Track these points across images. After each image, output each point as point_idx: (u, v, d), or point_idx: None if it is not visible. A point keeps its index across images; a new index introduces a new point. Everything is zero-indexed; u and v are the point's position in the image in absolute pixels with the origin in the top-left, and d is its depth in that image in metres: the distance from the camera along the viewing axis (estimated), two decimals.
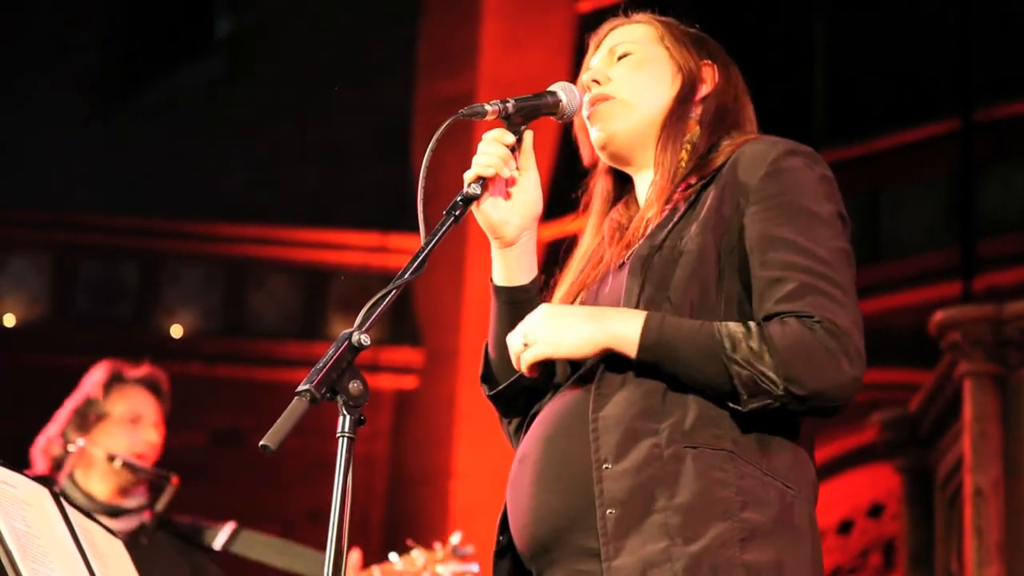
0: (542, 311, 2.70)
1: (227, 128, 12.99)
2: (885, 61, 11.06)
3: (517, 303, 2.86)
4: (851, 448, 10.00)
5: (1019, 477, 6.61)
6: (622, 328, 2.63)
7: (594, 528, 2.57)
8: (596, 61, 2.93)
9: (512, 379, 2.86)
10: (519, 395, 2.84)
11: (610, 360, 2.67)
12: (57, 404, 5.20)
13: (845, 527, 10.28)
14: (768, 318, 2.61)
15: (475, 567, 4.78)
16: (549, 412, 2.76)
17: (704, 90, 2.89)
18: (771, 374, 2.54)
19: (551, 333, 2.66)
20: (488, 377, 2.94)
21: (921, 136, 10.41)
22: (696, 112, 2.88)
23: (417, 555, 4.81)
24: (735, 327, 2.58)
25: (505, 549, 2.80)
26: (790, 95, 10.91)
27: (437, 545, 4.85)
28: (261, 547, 4.97)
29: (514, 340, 2.71)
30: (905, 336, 9.23)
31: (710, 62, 2.92)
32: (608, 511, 2.56)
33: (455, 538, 4.85)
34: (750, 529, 2.53)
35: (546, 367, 2.79)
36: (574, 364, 2.79)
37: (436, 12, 12.22)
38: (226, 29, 14.04)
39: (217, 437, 11.17)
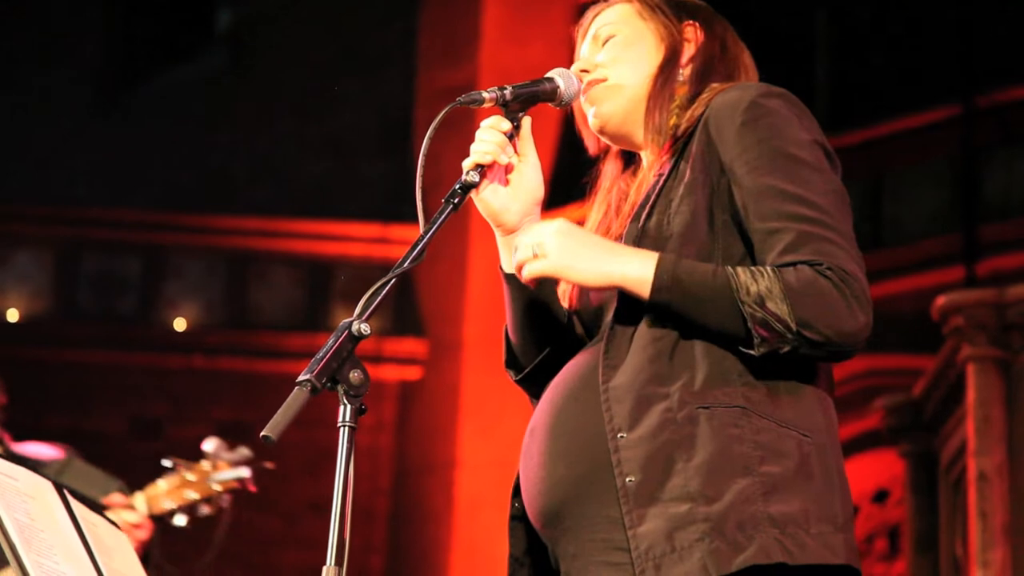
0: (561, 227, 2.66)
1: (228, 121, 12.99)
2: (887, 47, 11.05)
3: (527, 288, 2.85)
4: (855, 434, 9.99)
5: (1022, 461, 6.61)
6: (636, 268, 2.61)
7: (609, 495, 2.57)
8: (583, 50, 2.94)
9: (535, 362, 2.86)
10: (549, 378, 2.82)
11: (617, 324, 2.67)
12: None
13: None
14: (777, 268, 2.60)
15: (246, 471, 4.66)
16: (557, 382, 2.75)
17: (689, 51, 2.88)
18: (785, 318, 2.53)
19: (565, 254, 2.64)
20: (512, 363, 2.93)
21: (924, 122, 10.40)
22: (685, 75, 2.87)
23: (185, 472, 4.64)
24: (750, 271, 2.57)
25: (519, 515, 2.80)
26: (792, 81, 10.86)
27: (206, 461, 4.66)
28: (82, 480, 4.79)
29: (524, 248, 2.67)
30: (908, 321, 9.22)
31: (691, 21, 2.90)
32: (628, 479, 2.56)
33: (209, 444, 4.68)
34: (771, 482, 2.54)
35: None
36: (591, 331, 2.79)
37: (437, 3, 12.22)
38: (227, 22, 14.04)
39: (220, 429, 11.14)
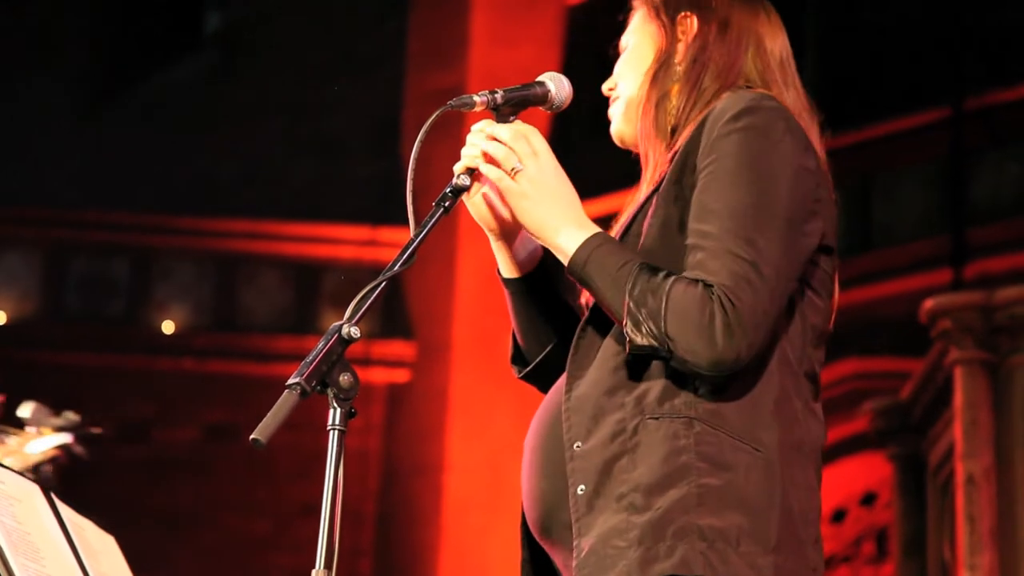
0: (549, 174, 2.66)
1: (217, 123, 12.98)
2: (876, 49, 11.06)
3: (525, 292, 2.85)
4: (843, 437, 10.00)
5: (1010, 464, 6.62)
6: (568, 238, 2.62)
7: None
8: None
9: (538, 360, 2.86)
10: (553, 371, 2.80)
11: (584, 334, 2.66)
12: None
13: (838, 516, 10.29)
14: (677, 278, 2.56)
15: (67, 437, 4.37)
16: (548, 395, 2.76)
17: (680, 50, 2.79)
18: (655, 326, 2.52)
19: (535, 188, 2.65)
20: (515, 358, 2.92)
21: (912, 124, 10.42)
22: (679, 72, 2.78)
23: (6, 439, 4.35)
24: (655, 273, 2.55)
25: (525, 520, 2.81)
26: None
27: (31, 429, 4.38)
28: None
29: (508, 155, 2.66)
30: (896, 324, 9.25)
31: (687, 12, 2.80)
32: (579, 488, 2.56)
33: (25, 410, 4.41)
34: (708, 494, 2.50)
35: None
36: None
37: (426, 6, 12.22)
38: (216, 24, 14.03)
39: (210, 432, 11.17)
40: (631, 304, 2.54)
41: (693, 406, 2.55)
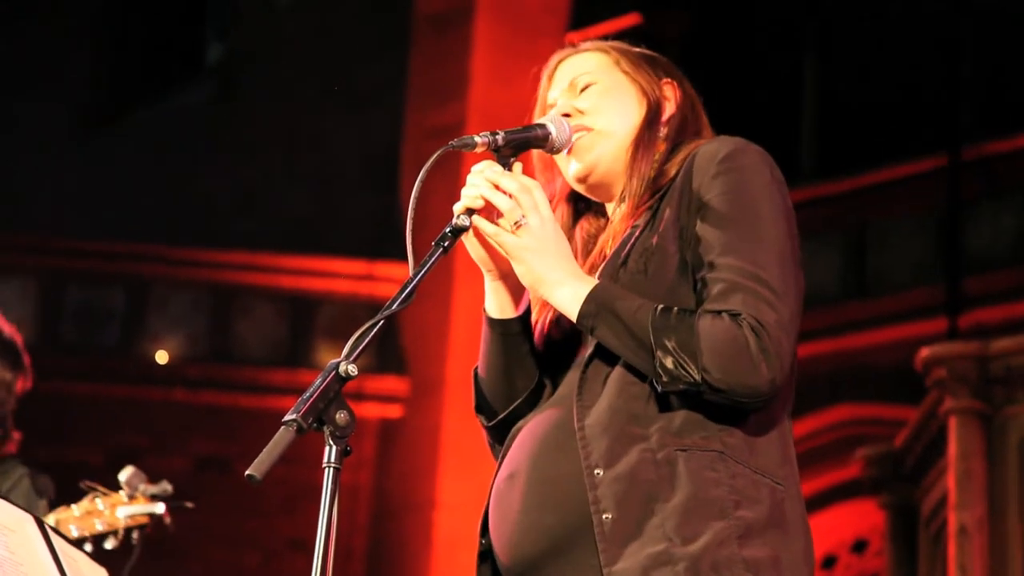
0: (550, 229, 2.70)
1: (215, 154, 12.99)
2: (874, 97, 11.10)
3: (511, 334, 2.86)
4: (835, 483, 10.00)
5: (1004, 516, 6.61)
6: (568, 293, 2.68)
7: (595, 542, 2.58)
8: (557, 94, 2.95)
9: (509, 409, 2.87)
10: (514, 424, 2.83)
11: (589, 368, 2.70)
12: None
13: (829, 562, 10.28)
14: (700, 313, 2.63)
15: (160, 507, 4.33)
16: (535, 429, 2.76)
17: (669, 109, 2.92)
18: (690, 361, 2.57)
19: (537, 242, 2.69)
20: (483, 407, 2.93)
21: (909, 172, 10.44)
22: (663, 132, 2.91)
23: (98, 499, 4.33)
24: (673, 311, 2.61)
25: (487, 552, 2.81)
26: (779, 129, 10.94)
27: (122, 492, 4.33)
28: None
29: (513, 208, 2.70)
30: (891, 371, 9.25)
31: (669, 80, 2.94)
32: (605, 516, 2.57)
33: (124, 474, 4.34)
34: (746, 526, 2.57)
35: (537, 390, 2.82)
36: (556, 383, 2.81)
37: (426, 42, 12.25)
38: (217, 55, 14.06)
39: (201, 463, 11.14)
40: (659, 342, 2.59)
41: (718, 439, 2.62)
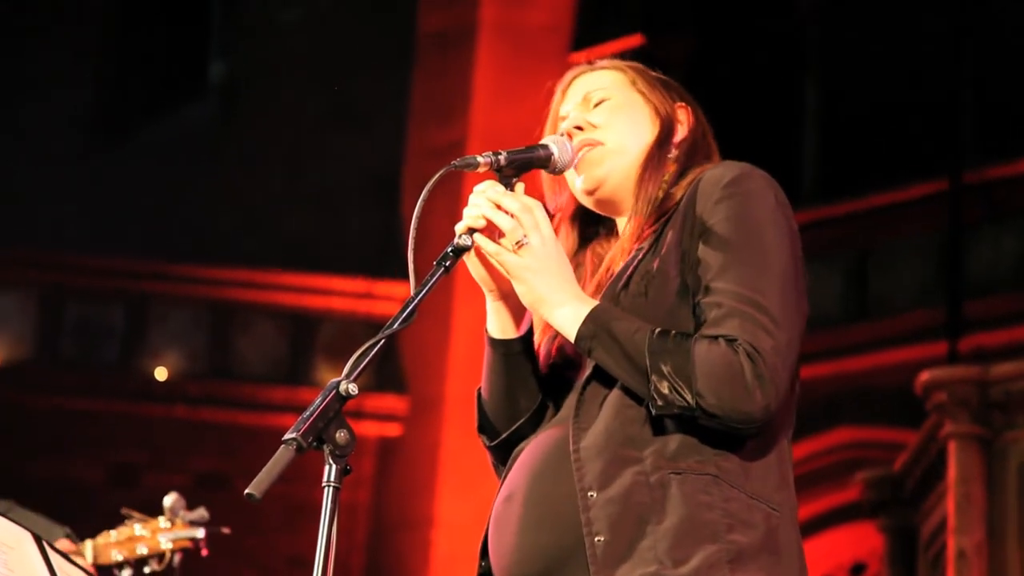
0: (551, 250, 2.71)
1: (217, 171, 13.00)
2: (876, 120, 11.11)
3: (512, 355, 2.86)
4: (834, 506, 9.99)
5: (1003, 540, 6.61)
6: (567, 314, 2.68)
7: (587, 563, 2.59)
8: (570, 108, 2.95)
9: (511, 429, 2.86)
10: (517, 444, 2.83)
11: (587, 390, 2.70)
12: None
13: None
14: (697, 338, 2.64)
15: (200, 532, 4.51)
16: (534, 450, 2.76)
17: (681, 132, 2.92)
18: (684, 385, 2.57)
19: (538, 263, 2.69)
20: (485, 428, 2.93)
21: (911, 195, 10.45)
22: (674, 154, 2.91)
23: (138, 524, 4.50)
24: (670, 335, 2.61)
25: (486, 574, 2.80)
26: (781, 152, 10.95)
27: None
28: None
29: (514, 228, 2.70)
30: (891, 395, 9.25)
31: (683, 104, 2.95)
32: (596, 538, 2.58)
33: (168, 499, 4.51)
34: (737, 550, 2.56)
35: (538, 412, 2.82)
36: (558, 405, 2.81)
37: (429, 61, 12.26)
38: (219, 73, 14.07)
39: (200, 480, 11.12)
40: (655, 366, 2.59)
41: (713, 463, 2.61)
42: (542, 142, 2.87)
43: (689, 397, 2.56)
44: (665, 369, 2.58)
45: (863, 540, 9.59)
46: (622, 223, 2.91)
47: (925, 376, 7.01)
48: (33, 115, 13.51)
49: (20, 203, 12.64)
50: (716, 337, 2.59)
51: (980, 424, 6.77)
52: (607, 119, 2.90)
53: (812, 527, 9.98)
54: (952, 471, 6.73)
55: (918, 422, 7.42)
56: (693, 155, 2.91)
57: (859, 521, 9.19)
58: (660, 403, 2.58)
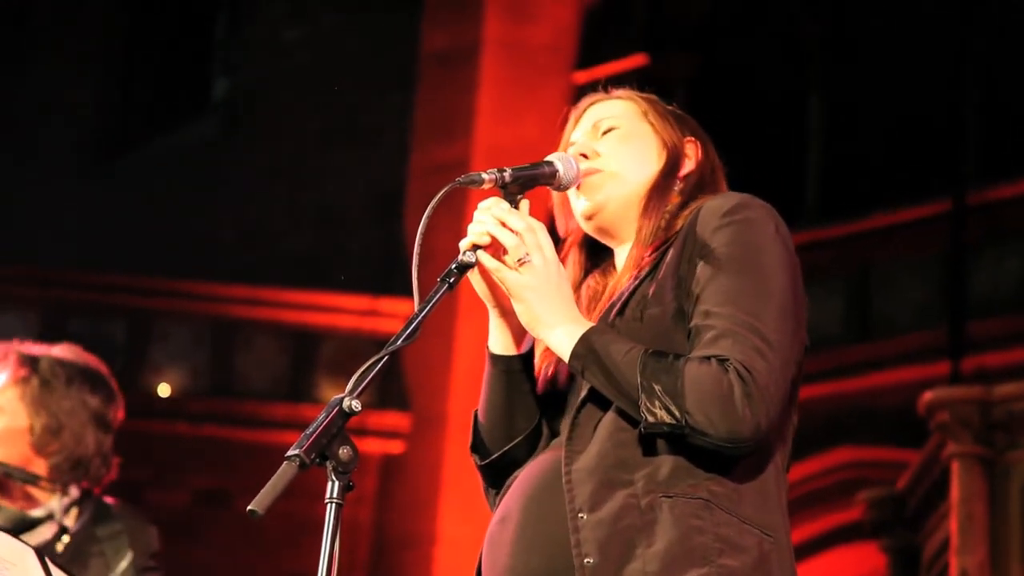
0: (552, 270, 2.71)
1: (220, 188, 13.01)
2: (878, 140, 11.12)
3: (514, 372, 2.86)
4: (836, 525, 9.98)
5: (1006, 560, 6.60)
6: (562, 334, 2.69)
7: None
8: (579, 135, 2.96)
9: (505, 449, 2.86)
10: (510, 467, 2.84)
11: (582, 413, 2.70)
12: None
13: None
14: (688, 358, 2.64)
15: None
16: (530, 472, 2.77)
17: (688, 166, 2.93)
18: (674, 404, 2.57)
19: (539, 283, 2.70)
20: (478, 446, 2.93)
21: (913, 216, 10.46)
22: (679, 186, 2.92)
23: None
24: (661, 355, 2.62)
25: None
26: (783, 173, 10.96)
27: None
28: None
29: (517, 246, 2.70)
30: (893, 415, 9.24)
31: (693, 139, 2.96)
32: (586, 560, 2.57)
33: None
34: (728, 574, 2.55)
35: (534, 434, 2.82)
36: (555, 428, 2.81)
37: (432, 79, 12.28)
38: (222, 90, 14.09)
39: (201, 497, 11.12)
40: (645, 384, 2.60)
41: (705, 487, 2.60)
42: (547, 159, 2.88)
43: (678, 414, 2.56)
44: (656, 388, 2.58)
45: (865, 560, 9.57)
46: (620, 253, 2.92)
47: (928, 396, 7.01)
48: (36, 133, 13.53)
49: (22, 220, 12.65)
50: (708, 357, 2.60)
51: (983, 444, 6.77)
52: (612, 147, 2.91)
53: (814, 547, 9.98)
54: (955, 491, 6.73)
55: (920, 442, 7.42)
56: (699, 189, 2.91)
57: (861, 541, 9.18)
58: (650, 419, 2.58)
